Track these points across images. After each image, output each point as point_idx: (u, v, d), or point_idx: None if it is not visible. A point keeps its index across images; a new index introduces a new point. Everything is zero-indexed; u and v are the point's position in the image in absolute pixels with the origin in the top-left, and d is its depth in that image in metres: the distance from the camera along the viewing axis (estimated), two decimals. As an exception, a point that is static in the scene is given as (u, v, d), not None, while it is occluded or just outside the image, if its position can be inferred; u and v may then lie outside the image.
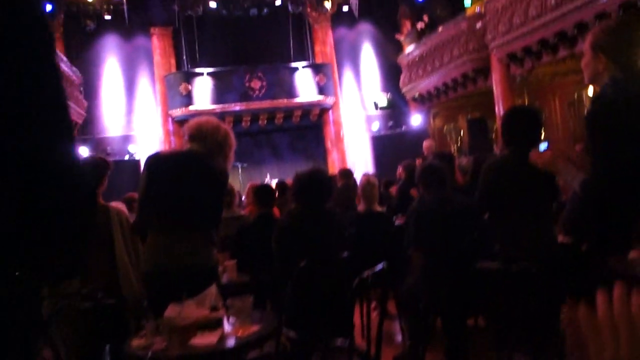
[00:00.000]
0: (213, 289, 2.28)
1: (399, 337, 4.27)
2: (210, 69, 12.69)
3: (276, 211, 4.81)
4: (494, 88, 10.29)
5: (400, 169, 7.14)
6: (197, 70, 12.76)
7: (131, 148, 12.25)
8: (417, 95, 13.52)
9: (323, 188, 3.04)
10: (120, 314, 2.67)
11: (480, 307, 2.79)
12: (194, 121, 2.73)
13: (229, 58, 13.31)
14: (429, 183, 3.38)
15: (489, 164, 2.89)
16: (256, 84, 12.79)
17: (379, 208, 5.90)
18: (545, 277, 2.21)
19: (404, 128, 13.48)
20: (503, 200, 2.73)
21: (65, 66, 10.57)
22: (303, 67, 13.22)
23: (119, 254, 3.09)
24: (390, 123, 13.71)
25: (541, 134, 2.92)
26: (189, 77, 12.60)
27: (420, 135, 12.53)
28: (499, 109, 10.19)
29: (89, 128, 12.36)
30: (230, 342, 1.89)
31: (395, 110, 14.08)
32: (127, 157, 11.87)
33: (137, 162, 11.45)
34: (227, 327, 2.04)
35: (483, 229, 2.98)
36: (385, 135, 12.75)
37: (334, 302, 2.91)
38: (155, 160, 2.60)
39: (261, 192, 4.07)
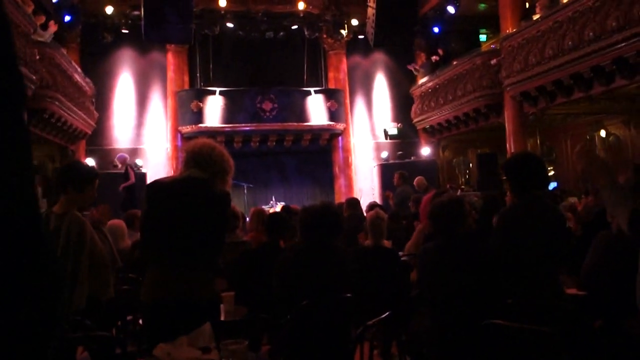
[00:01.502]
0: (207, 328, 2.15)
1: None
2: (223, 88, 12.73)
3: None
4: (506, 125, 10.23)
5: (411, 204, 7.06)
6: (210, 88, 12.80)
7: (139, 161, 12.22)
8: (427, 126, 13.51)
9: (334, 225, 2.93)
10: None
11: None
12: (191, 145, 2.62)
13: (242, 78, 13.37)
14: (439, 225, 3.17)
15: (501, 214, 2.78)
16: (267, 106, 12.80)
17: (387, 243, 5.79)
18: (558, 339, 2.08)
19: (412, 158, 13.42)
20: (517, 251, 2.61)
21: (78, 77, 10.61)
22: (315, 91, 13.24)
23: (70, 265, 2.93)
24: (400, 152, 13.65)
25: (548, 177, 2.81)
26: (201, 94, 12.64)
27: (429, 166, 12.48)
28: (510, 146, 10.11)
29: (98, 139, 12.36)
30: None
31: (405, 140, 14.05)
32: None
33: (144, 175, 11.40)
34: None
35: (495, 281, 2.82)
36: (394, 163, 12.66)
37: (333, 344, 2.78)
38: (153, 188, 2.51)
39: (272, 221, 3.95)
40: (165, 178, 2.58)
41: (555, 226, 2.65)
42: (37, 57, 8.27)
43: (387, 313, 2.40)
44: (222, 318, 3.05)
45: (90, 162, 11.57)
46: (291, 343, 2.82)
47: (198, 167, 2.54)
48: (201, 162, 2.53)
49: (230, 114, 12.61)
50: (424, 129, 13.80)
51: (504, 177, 2.98)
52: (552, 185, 11.52)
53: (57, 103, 9.12)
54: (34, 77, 7.94)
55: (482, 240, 3.01)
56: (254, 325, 2.49)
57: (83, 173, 3.19)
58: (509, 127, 10.18)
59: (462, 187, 13.22)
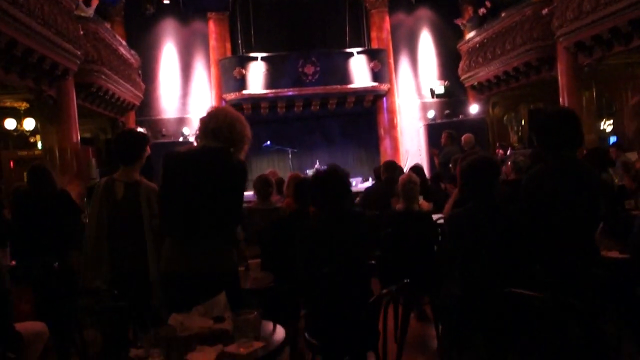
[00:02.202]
0: (222, 298, 2.18)
1: (434, 344, 4.07)
2: (264, 54, 12.67)
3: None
4: (559, 78, 9.69)
5: (452, 164, 6.84)
6: (252, 54, 12.77)
7: (185, 130, 12.47)
8: (476, 83, 13.00)
9: (339, 189, 2.87)
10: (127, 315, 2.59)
11: (518, 331, 2.53)
12: (207, 114, 2.60)
13: (284, 43, 13.23)
14: (471, 187, 3.02)
15: (529, 176, 2.62)
16: (309, 69, 12.66)
17: (426, 205, 5.67)
18: (590, 312, 1.97)
19: (460, 117, 12.99)
20: (547, 215, 2.47)
21: (123, 50, 10.83)
22: (358, 52, 12.93)
23: (147, 235, 3.02)
24: (447, 111, 13.24)
25: (580, 136, 2.58)
26: (243, 61, 12.63)
27: (478, 124, 12.05)
28: (564, 100, 9.59)
29: (146, 110, 12.68)
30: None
31: (452, 99, 13.61)
32: (181, 139, 12.09)
33: (191, 144, 11.64)
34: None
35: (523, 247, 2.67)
36: (441, 123, 12.29)
37: (357, 310, 2.77)
38: (170, 159, 2.52)
39: (300, 188, 3.91)
40: (182, 148, 2.59)
41: (588, 189, 2.48)
42: (81, 32, 8.47)
43: (406, 280, 2.34)
44: (249, 285, 3.11)
45: (141, 129, 11.91)
46: (315, 308, 2.83)
47: (214, 136, 2.52)
48: (216, 132, 2.51)
49: (272, 79, 12.57)
50: (472, 86, 13.30)
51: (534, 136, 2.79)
52: (612, 139, 10.92)
53: (103, 77, 9.37)
54: (79, 53, 8.16)
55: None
56: (275, 294, 2.50)
57: (140, 141, 3.25)
58: (562, 80, 9.63)
59: (515, 145, 12.73)
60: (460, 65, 13.38)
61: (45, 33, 6.92)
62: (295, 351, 2.42)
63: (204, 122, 2.57)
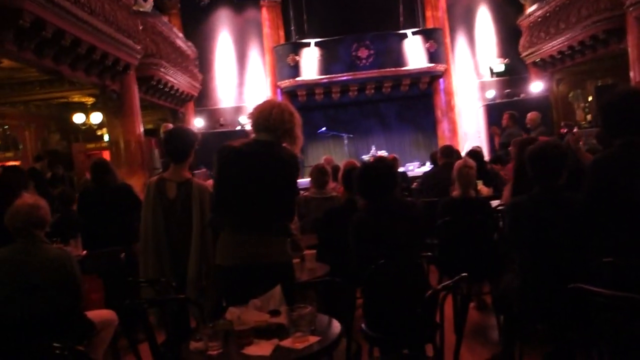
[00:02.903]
0: (277, 291, 2.21)
1: (494, 334, 3.97)
2: (318, 39, 12.62)
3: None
4: (629, 51, 9.08)
5: (512, 147, 6.59)
6: (305, 41, 12.75)
7: (242, 119, 12.68)
8: (538, 60, 12.43)
9: (385, 180, 2.82)
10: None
11: (583, 325, 2.42)
12: (256, 108, 2.61)
13: (337, 27, 13.10)
14: (536, 172, 2.88)
15: (596, 161, 2.47)
16: (363, 53, 12.51)
17: (485, 190, 5.50)
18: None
19: (522, 96, 12.46)
20: (617, 205, 2.32)
21: (180, 42, 11.10)
22: (412, 33, 12.64)
23: (195, 232, 3.10)
24: (507, 90, 12.74)
25: None
26: (297, 48, 12.65)
27: (541, 103, 11.51)
28: (635, 75, 9.00)
29: (204, 100, 12.99)
30: (283, 356, 1.81)
31: (512, 77, 13.08)
32: (238, 128, 12.31)
33: (248, 133, 11.83)
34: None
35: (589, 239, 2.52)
36: (501, 103, 11.85)
37: (414, 302, 2.73)
38: (224, 153, 2.55)
39: (346, 177, 3.90)
40: (234, 142, 2.62)
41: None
42: (140, 27, 8.74)
43: (464, 274, 2.28)
44: (305, 277, 3.13)
45: (199, 122, 12.21)
46: (370, 300, 2.82)
47: (265, 129, 2.54)
48: (266, 124, 2.53)
49: (326, 64, 12.53)
50: (534, 63, 12.71)
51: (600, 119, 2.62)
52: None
53: (162, 70, 9.65)
54: (139, 47, 8.43)
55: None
56: (330, 285, 2.50)
57: (190, 139, 3.32)
58: (632, 53, 9.01)
59: (582, 123, 12.10)
60: (521, 41, 12.82)
61: (106, 30, 7.19)
62: (351, 344, 2.42)
63: (254, 116, 2.59)
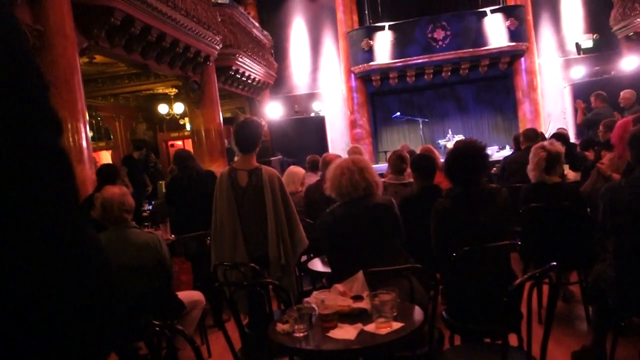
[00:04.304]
0: (360, 276, 2.24)
1: (583, 326, 3.80)
2: (392, 22, 12.43)
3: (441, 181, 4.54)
4: None
5: (601, 128, 6.20)
6: (379, 24, 12.60)
7: (316, 105, 12.78)
8: (631, 33, 11.51)
9: (476, 164, 2.75)
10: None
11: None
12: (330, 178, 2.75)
13: (412, 9, 12.86)
14: (637, 155, 2.65)
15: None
16: (439, 34, 12.19)
17: (572, 175, 5.21)
18: None
19: (612, 73, 11.62)
20: None
21: (257, 31, 11.33)
22: (492, 11, 12.14)
23: (269, 217, 3.22)
24: (596, 68, 11.92)
25: None
26: (371, 32, 12.53)
27: (635, 81, 10.69)
28: None
29: (279, 88, 13.21)
30: (368, 340, 1.84)
31: (602, 53, 12.23)
32: (312, 114, 12.44)
33: (322, 119, 11.93)
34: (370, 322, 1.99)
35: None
36: (590, 82, 11.11)
37: (498, 290, 2.67)
38: (329, 220, 2.68)
39: (415, 166, 3.85)
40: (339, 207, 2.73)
41: None
42: (219, 18, 9.02)
43: (553, 263, 2.19)
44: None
45: (274, 109, 12.40)
46: (453, 289, 2.79)
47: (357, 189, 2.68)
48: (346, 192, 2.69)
49: (400, 48, 12.33)
50: (627, 37, 11.79)
51: None
52: None
53: (240, 59, 9.92)
54: (218, 39, 8.71)
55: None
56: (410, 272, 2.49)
57: (257, 130, 3.44)
58: None
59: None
60: (612, 14, 11.92)
61: (188, 23, 7.48)
62: (433, 331, 2.41)
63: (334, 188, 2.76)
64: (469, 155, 2.76)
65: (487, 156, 2.92)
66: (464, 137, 9.86)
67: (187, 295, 3.64)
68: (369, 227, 2.63)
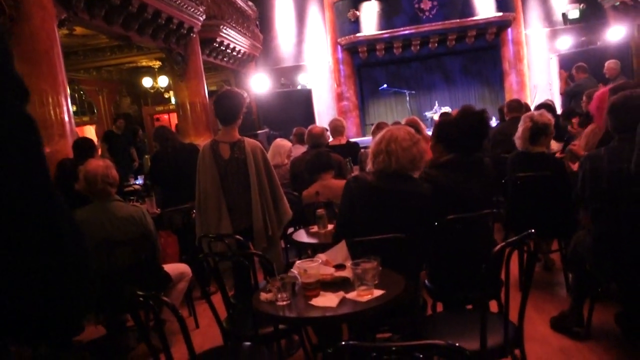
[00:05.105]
0: (342, 246, 2.27)
1: (562, 292, 3.89)
2: (379, -8, 12.27)
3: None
4: None
5: (584, 99, 6.23)
6: (366, -6, 12.43)
7: (302, 78, 12.67)
8: (618, 3, 11.48)
9: (481, 130, 2.75)
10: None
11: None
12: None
13: (398, -22, 12.67)
14: (616, 123, 2.68)
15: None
16: (426, 5, 12.06)
17: (556, 145, 5.25)
18: None
19: (599, 44, 11.63)
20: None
21: (241, 2, 11.12)
22: (479, -20, 12.02)
23: (252, 189, 3.22)
24: (583, 39, 11.90)
25: None
26: (357, 2, 12.36)
27: (621, 52, 10.70)
28: None
29: (265, 60, 13.05)
30: (349, 307, 1.88)
31: (588, 24, 12.19)
32: (299, 87, 12.33)
33: (309, 92, 11.83)
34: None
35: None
36: (576, 52, 11.11)
37: (479, 258, 2.72)
38: (358, 187, 2.58)
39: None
40: (366, 175, 2.65)
41: None
42: (202, -11, 8.83)
43: (531, 230, 2.23)
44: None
45: (260, 82, 12.25)
46: (436, 255, 2.83)
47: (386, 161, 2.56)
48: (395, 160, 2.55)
49: (387, 19, 12.20)
50: (614, 7, 11.76)
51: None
52: None
53: (224, 31, 9.76)
54: (202, 9, 8.55)
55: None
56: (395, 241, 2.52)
57: (238, 101, 3.40)
58: None
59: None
60: (599, -17, 11.88)
61: (170, -7, 7.34)
62: (416, 299, 2.45)
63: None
64: (474, 121, 2.75)
65: (489, 123, 2.92)
66: (451, 109, 9.88)
67: (173, 268, 3.66)
68: (397, 209, 2.51)
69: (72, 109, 5.27)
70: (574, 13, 12.26)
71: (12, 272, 0.54)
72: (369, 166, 2.64)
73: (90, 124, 11.32)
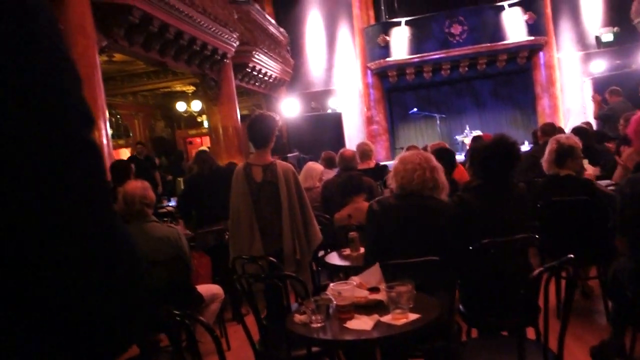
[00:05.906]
0: (376, 269, 2.26)
1: (602, 320, 3.77)
2: (408, 18, 12.37)
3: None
4: None
5: (622, 122, 6.10)
6: (395, 20, 12.56)
7: (332, 102, 12.78)
8: (653, 26, 11.31)
9: (508, 159, 2.73)
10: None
11: None
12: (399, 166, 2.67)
13: (428, 4, 12.78)
14: None
15: None
16: (456, 29, 12.11)
17: (591, 169, 5.14)
18: None
19: (633, 67, 11.44)
20: None
21: (273, 28, 11.38)
22: (509, 5, 12.02)
23: (283, 212, 3.24)
24: (617, 62, 11.74)
25: None
26: (387, 27, 12.50)
27: (656, 74, 10.52)
28: None
29: (295, 85, 13.24)
30: (384, 331, 1.86)
31: (622, 47, 12.01)
32: (329, 111, 12.44)
33: (339, 116, 11.91)
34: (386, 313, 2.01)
35: None
36: (610, 75, 10.96)
37: (515, 284, 2.67)
38: (381, 209, 2.62)
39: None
40: (388, 198, 2.70)
41: None
42: (235, 16, 9.07)
43: (570, 255, 2.18)
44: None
45: (291, 106, 12.41)
46: (471, 281, 2.79)
47: (409, 181, 2.61)
48: (409, 177, 2.61)
49: (417, 43, 12.28)
50: (649, 30, 11.59)
51: None
52: None
53: (256, 57, 9.97)
54: (235, 36, 8.77)
55: None
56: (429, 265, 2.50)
57: (271, 125, 3.46)
58: None
59: None
60: (633, 6, 11.68)
61: (205, 21, 7.56)
62: (450, 324, 2.41)
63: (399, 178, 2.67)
64: (503, 152, 2.75)
65: (520, 155, 2.91)
66: (481, 133, 9.79)
67: (206, 289, 3.69)
68: (420, 226, 2.54)
69: (109, 132, 5.44)
70: (608, 36, 12.11)
71: (77, 304, 0.55)
72: (389, 188, 2.72)
73: (125, 147, 11.63)
